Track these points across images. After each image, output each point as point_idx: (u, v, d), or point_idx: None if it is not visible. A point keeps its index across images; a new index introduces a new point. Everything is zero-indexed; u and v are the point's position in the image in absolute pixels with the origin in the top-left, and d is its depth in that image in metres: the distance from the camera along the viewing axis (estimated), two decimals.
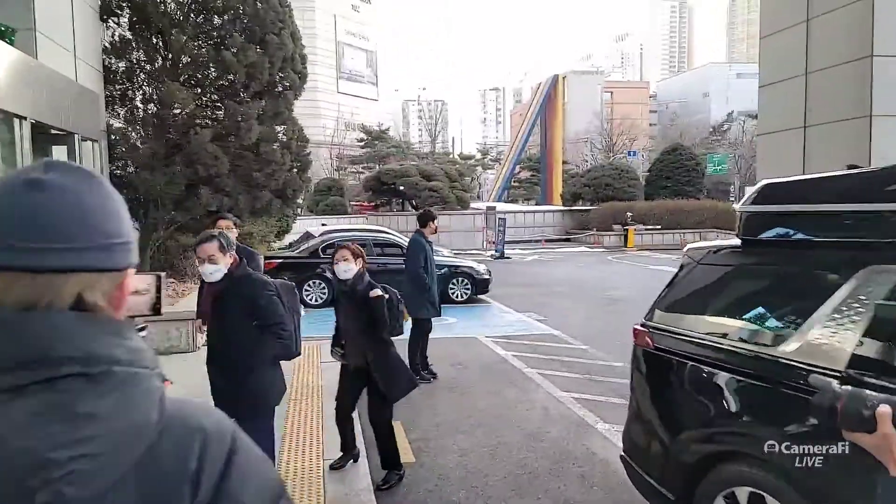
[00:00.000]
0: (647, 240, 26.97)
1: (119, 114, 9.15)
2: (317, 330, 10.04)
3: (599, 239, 28.62)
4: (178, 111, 8.85)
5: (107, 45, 8.94)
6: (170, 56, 8.75)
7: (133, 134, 9.15)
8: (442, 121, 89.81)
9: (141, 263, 8.98)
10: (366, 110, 68.49)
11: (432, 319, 7.10)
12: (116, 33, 9.02)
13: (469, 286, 12.55)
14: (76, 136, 5.26)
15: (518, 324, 10.49)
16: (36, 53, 5.68)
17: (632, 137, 56.01)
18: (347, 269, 4.19)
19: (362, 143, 53.31)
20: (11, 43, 4.27)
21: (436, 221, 7.05)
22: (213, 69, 9.02)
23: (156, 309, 1.89)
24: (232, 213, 8.92)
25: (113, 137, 8.57)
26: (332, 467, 4.50)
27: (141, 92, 9.09)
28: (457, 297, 12.29)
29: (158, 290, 1.91)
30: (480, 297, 12.78)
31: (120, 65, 9.09)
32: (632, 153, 48.30)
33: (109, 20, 8.77)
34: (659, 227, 27.54)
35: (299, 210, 34.95)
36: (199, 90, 9.21)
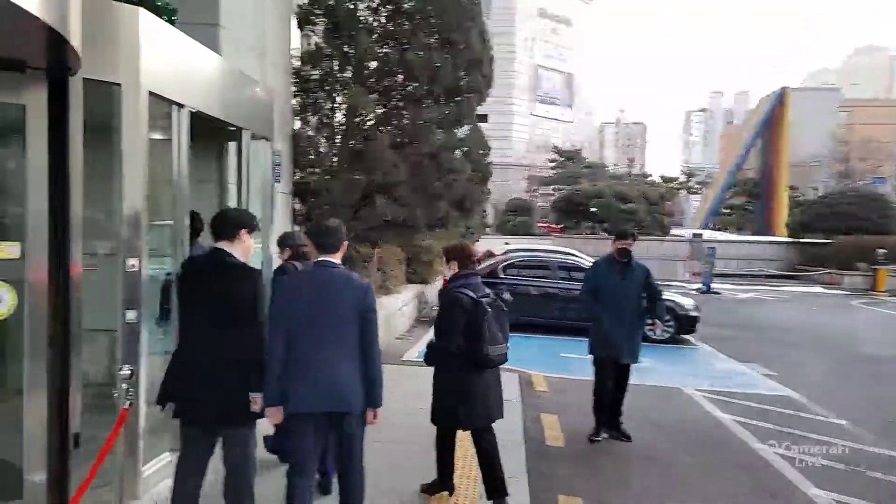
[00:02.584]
0: None
1: (310, 122, 9.19)
2: None
3: (837, 278, 23.83)
4: (359, 118, 8.61)
5: (303, 54, 9.04)
6: (356, 61, 8.56)
7: (322, 141, 9.11)
8: (640, 143, 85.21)
9: None
10: (559, 132, 67.46)
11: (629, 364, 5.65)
12: (313, 42, 9.11)
13: (671, 323, 10.66)
14: (245, 132, 4.88)
15: (738, 377, 8.45)
16: (219, 49, 5.54)
17: (877, 163, 47.19)
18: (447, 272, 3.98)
19: (553, 165, 52.25)
20: (172, 23, 3.94)
21: (621, 241, 5.53)
22: (398, 74, 8.66)
23: None
24: (406, 223, 8.45)
25: (301, 145, 8.53)
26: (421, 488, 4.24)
27: (331, 99, 9.01)
28: (656, 334, 10.49)
29: None
30: (685, 336, 10.81)
31: (314, 73, 9.13)
32: (879, 180, 40.52)
33: (306, 28, 8.86)
34: None
35: (486, 229, 35.04)
36: (385, 96, 8.91)
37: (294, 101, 9.35)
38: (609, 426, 5.51)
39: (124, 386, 2.95)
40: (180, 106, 4.09)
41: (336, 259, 3.10)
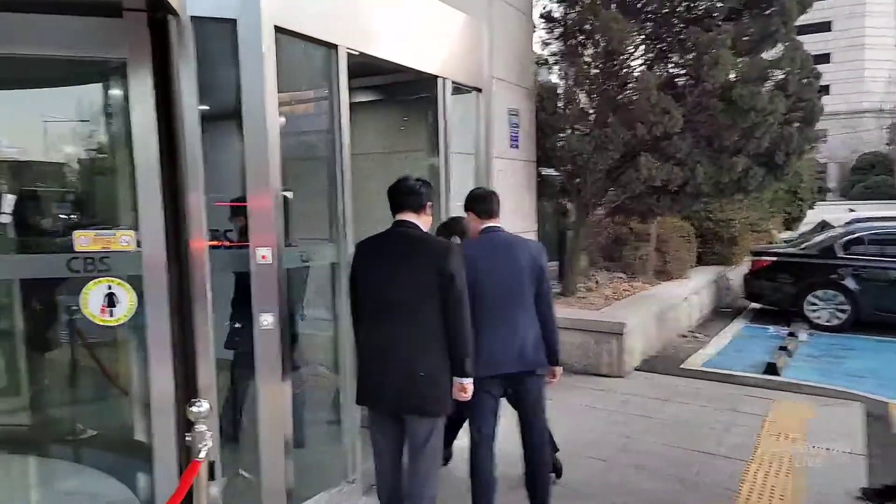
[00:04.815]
0: None
1: (568, 74, 7.86)
2: (821, 372, 6.55)
3: None
4: (625, 57, 6.95)
5: None
6: None
7: (582, 96, 7.73)
8: None
9: (573, 252, 7.58)
10: None
11: None
12: None
13: None
14: (443, 80, 3.91)
15: None
16: None
17: None
18: None
19: None
20: None
21: None
22: None
23: None
24: (686, 189, 6.49)
25: (549, 99, 7.30)
26: None
27: (593, 43, 7.51)
28: None
29: None
30: None
31: (570, 13, 7.75)
32: None
33: None
34: None
35: (827, 193, 28.32)
36: (662, 26, 7.04)
37: (546, 51, 8.14)
38: None
39: (201, 427, 2.20)
40: (330, 46, 3.29)
41: (498, 223, 3.25)
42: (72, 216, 3.83)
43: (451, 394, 2.74)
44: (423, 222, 2.88)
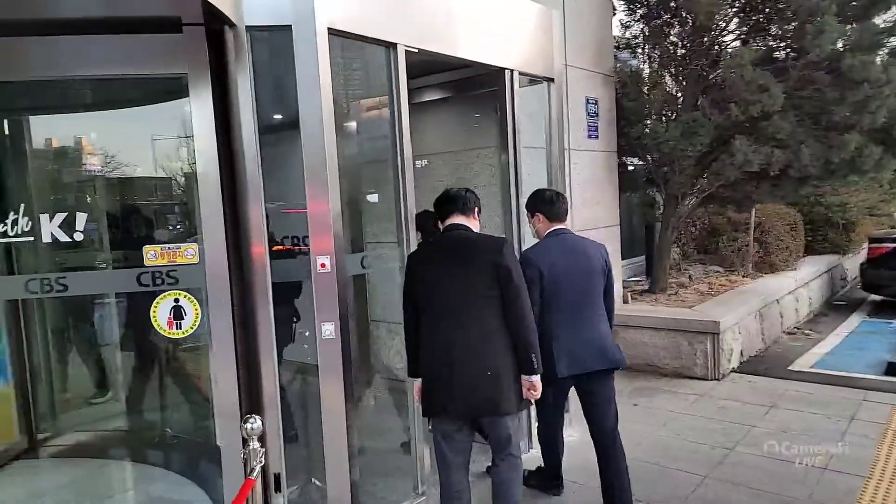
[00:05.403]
0: None
1: (651, 56, 7.41)
2: None
3: None
4: (716, 33, 6.44)
5: None
6: None
7: (668, 79, 7.27)
8: None
9: (662, 246, 7.11)
10: None
11: None
12: None
13: None
14: (509, 72, 3.76)
15: None
16: None
17: None
18: None
19: None
20: None
21: None
22: None
23: None
24: (789, 173, 5.88)
25: (627, 83, 6.90)
26: None
27: (678, 20, 7.04)
28: None
29: None
30: None
31: None
32: None
33: None
34: None
35: None
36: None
37: (627, 33, 7.72)
38: None
39: (255, 445, 2.17)
40: (388, 45, 3.20)
41: (566, 226, 3.26)
42: (164, 229, 4.00)
43: (521, 391, 2.67)
44: (474, 224, 2.86)
